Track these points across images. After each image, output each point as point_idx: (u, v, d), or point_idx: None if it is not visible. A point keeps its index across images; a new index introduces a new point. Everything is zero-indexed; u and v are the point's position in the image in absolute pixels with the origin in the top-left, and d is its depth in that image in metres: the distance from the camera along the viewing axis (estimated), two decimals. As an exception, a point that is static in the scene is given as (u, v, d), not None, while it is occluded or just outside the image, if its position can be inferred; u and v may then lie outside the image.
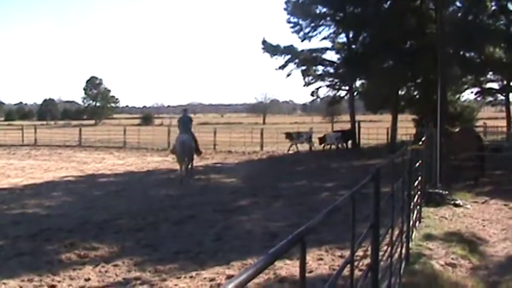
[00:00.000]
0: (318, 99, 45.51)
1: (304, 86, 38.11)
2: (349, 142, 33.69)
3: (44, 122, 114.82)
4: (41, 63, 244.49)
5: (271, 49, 34.96)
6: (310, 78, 37.43)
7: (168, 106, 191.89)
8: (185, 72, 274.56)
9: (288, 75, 36.60)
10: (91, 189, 17.64)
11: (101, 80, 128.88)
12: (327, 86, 38.49)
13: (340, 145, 32.46)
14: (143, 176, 21.59)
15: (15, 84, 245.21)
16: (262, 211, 13.60)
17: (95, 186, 18.24)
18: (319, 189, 17.51)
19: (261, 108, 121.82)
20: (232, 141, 36.13)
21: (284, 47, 34.95)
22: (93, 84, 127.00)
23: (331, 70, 37.03)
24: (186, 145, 19.47)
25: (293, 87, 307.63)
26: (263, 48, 35.17)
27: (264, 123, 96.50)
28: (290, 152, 32.08)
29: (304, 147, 32.89)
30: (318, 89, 38.94)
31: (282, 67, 35.75)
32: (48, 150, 34.15)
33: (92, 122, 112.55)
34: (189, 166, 19.92)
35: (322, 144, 32.80)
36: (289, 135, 33.92)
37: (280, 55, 35.05)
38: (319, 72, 37.31)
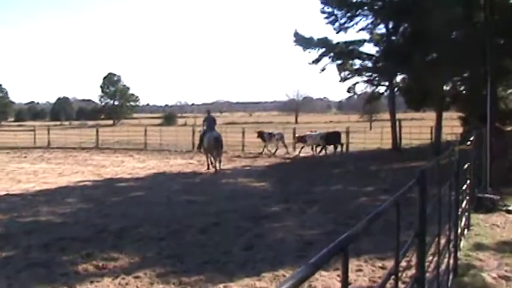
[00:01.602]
0: (355, 96, 45.32)
1: (339, 81, 37.80)
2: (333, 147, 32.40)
3: (58, 123, 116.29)
4: (54, 60, 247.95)
5: (304, 42, 34.87)
6: (347, 73, 37.19)
7: (192, 104, 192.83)
8: (211, 68, 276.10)
9: (322, 70, 36.46)
10: (109, 195, 17.75)
11: (119, 76, 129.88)
12: (365, 81, 38.18)
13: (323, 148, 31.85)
14: (165, 180, 21.68)
15: (27, 82, 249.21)
16: (295, 218, 13.57)
17: (113, 192, 18.38)
18: (357, 194, 17.40)
19: (293, 107, 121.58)
20: (261, 143, 36.06)
21: (318, 39, 34.81)
22: (110, 82, 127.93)
23: (369, 64, 36.75)
24: (219, 139, 24.35)
25: (328, 83, 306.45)
26: (295, 41, 35.11)
27: (296, 122, 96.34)
28: (264, 155, 31.94)
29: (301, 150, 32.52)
30: (354, 84, 38.67)
31: (316, 61, 35.61)
32: (63, 153, 34.54)
33: (110, 122, 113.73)
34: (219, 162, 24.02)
35: (301, 147, 32.24)
36: (261, 135, 33.97)
37: (313, 48, 34.94)
38: (356, 67, 37.07)
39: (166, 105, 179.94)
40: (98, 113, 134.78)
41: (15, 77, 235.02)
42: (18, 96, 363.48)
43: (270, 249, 10.41)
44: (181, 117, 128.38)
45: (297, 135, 33.68)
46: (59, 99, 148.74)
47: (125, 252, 10.17)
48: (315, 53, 35.24)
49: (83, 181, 21.30)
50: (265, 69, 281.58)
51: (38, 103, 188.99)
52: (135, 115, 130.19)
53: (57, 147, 38.34)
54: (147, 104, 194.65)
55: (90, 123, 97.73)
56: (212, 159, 24.87)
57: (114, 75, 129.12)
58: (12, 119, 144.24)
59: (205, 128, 25.71)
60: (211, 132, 24.68)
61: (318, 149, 31.81)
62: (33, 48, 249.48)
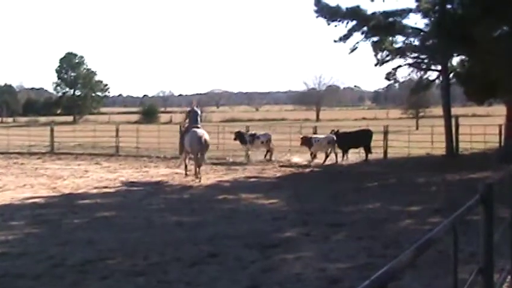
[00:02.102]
0: (396, 85, 45.37)
1: (375, 65, 37.73)
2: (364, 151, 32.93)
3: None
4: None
5: (329, 12, 34.80)
6: (385, 53, 37.16)
7: (180, 95, 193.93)
8: (203, 48, 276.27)
9: (353, 49, 36.47)
10: (68, 215, 17.73)
11: (81, 58, 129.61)
12: (410, 64, 38.18)
13: (330, 154, 32.19)
14: (144, 195, 21.70)
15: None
16: (316, 246, 13.58)
17: (74, 212, 18.35)
18: (398, 215, 17.39)
19: (314, 98, 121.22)
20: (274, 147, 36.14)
21: (347, 8, 34.70)
22: (70, 65, 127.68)
23: (416, 42, 36.75)
24: (204, 139, 25.94)
25: (360, 68, 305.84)
26: (316, 11, 35.01)
27: (317, 119, 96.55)
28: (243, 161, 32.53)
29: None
30: (395, 69, 38.64)
31: (344, 38, 35.58)
32: (5, 160, 34.61)
33: (70, 118, 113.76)
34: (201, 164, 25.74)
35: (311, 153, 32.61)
36: (239, 137, 34.30)
37: (341, 21, 34.84)
38: (397, 45, 37.04)
39: (145, 96, 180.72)
40: (52, 106, 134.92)
41: None
42: None
43: (284, 289, 10.42)
44: (164, 112, 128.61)
45: (301, 135, 33.75)
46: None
47: (88, 293, 10.19)
48: (342, 27, 35.16)
49: (32, 197, 21.24)
50: (275, 49, 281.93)
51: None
52: (103, 109, 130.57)
53: (-3, 152, 38.40)
54: (120, 95, 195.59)
55: (43, 119, 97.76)
56: (193, 164, 26.50)
57: (75, 56, 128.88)
58: None
59: (187, 124, 27.65)
60: (195, 130, 26.27)
61: (338, 155, 31.91)
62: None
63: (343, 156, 32.06)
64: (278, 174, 27.76)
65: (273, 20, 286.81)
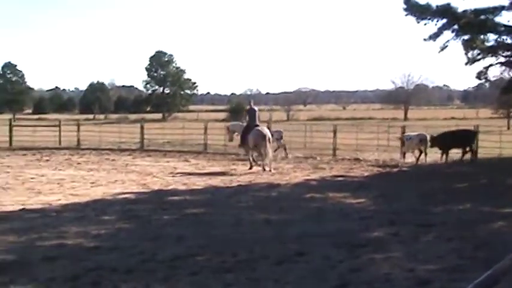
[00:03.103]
0: (487, 84, 44.57)
1: (466, 64, 37.05)
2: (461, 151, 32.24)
3: (90, 116, 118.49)
4: (86, 36, 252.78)
5: (418, 10, 34.37)
6: (476, 52, 36.47)
7: (267, 94, 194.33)
8: (291, 46, 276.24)
9: (443, 48, 35.85)
10: (158, 211, 17.92)
11: (170, 56, 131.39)
12: (502, 63, 37.43)
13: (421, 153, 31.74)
14: (232, 193, 21.82)
15: (49, 63, 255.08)
16: (404, 247, 13.44)
17: (164, 208, 18.52)
18: (490, 216, 17.09)
19: (402, 97, 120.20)
20: (360, 145, 35.96)
21: (437, 6, 34.19)
22: (159, 63, 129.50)
23: (509, 40, 36.03)
24: (268, 137, 28.53)
25: (449, 67, 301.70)
26: (406, 9, 34.62)
27: (405, 118, 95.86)
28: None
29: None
30: (487, 68, 37.86)
31: (434, 37, 35.06)
32: (97, 156, 35.38)
33: (159, 115, 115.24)
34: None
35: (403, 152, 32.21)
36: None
37: (430, 19, 34.36)
38: (489, 44, 36.33)
39: (232, 94, 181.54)
40: (142, 103, 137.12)
41: (34, 57, 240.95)
42: (39, 81, 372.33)
43: (372, 289, 10.36)
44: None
45: (398, 135, 33.38)
46: (91, 85, 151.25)
47: (178, 288, 10.28)
48: (432, 25, 34.65)
49: (123, 193, 21.58)
50: (363, 48, 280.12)
51: (63, 90, 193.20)
52: (191, 107, 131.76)
53: (89, 148, 39.23)
54: (208, 93, 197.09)
55: (133, 117, 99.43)
56: (260, 157, 29.00)
57: (164, 54, 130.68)
58: (30, 111, 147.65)
59: (246, 122, 30.63)
60: (258, 129, 29.14)
61: (425, 155, 31.52)
62: (57, 21, 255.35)
63: (442, 156, 31.65)
64: (366, 174, 27.59)
65: (361, 19, 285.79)
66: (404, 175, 27.53)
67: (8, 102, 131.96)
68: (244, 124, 31.17)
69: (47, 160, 33.17)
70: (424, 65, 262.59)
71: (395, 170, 29.27)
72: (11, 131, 42.50)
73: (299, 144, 37.95)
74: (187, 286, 10.43)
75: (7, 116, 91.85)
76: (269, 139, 28.80)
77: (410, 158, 32.11)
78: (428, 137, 31.64)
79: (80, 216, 16.92)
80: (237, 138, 32.28)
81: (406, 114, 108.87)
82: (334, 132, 35.59)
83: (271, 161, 28.87)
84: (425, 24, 34.56)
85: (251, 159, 29.71)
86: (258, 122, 29.99)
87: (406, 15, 34.50)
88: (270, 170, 27.95)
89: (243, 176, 26.60)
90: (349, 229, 15.17)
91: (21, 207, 18.32)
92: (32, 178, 25.34)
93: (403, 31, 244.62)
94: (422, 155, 31.52)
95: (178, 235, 14.41)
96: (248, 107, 31.35)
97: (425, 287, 10.21)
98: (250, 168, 29.13)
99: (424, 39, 35.29)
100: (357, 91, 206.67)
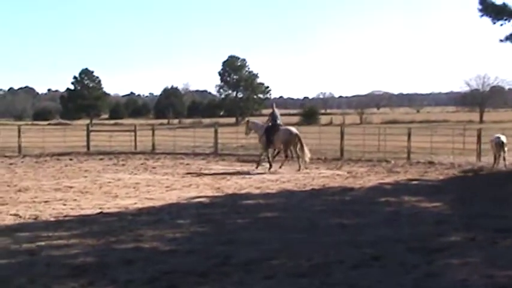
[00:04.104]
0: None
1: (546, 65, 36.45)
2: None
3: (165, 121, 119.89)
4: (163, 40, 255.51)
5: (494, 10, 33.81)
6: (554, 52, 35.81)
7: (340, 97, 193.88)
8: (363, 49, 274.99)
9: (520, 49, 35.32)
10: (232, 215, 18.01)
11: (243, 61, 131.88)
12: None
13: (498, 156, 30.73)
14: (306, 197, 21.78)
15: (124, 69, 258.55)
16: (482, 252, 13.19)
17: (238, 212, 18.62)
18: None
19: (477, 100, 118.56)
20: (434, 148, 35.59)
21: (516, 6, 33.73)
22: (232, 67, 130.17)
23: None
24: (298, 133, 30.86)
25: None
26: (481, 10, 34.11)
27: (481, 121, 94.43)
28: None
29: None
30: None
31: (511, 38, 34.56)
32: (172, 160, 35.68)
33: (232, 120, 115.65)
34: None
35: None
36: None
37: (507, 19, 33.82)
38: None
39: (305, 98, 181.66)
40: (216, 108, 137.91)
41: (110, 63, 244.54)
42: (115, 86, 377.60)
43: (448, 294, 10.21)
44: (325, 113, 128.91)
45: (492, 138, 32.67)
46: (165, 90, 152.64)
47: (252, 292, 10.27)
48: (509, 26, 34.13)
49: (198, 197, 21.72)
50: (436, 49, 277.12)
51: (138, 95, 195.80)
52: (264, 111, 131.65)
53: (164, 153, 39.62)
54: (281, 97, 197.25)
55: (206, 121, 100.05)
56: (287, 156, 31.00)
57: (237, 58, 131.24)
58: (107, 116, 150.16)
59: (268, 124, 31.76)
60: (287, 128, 31.83)
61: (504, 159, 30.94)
62: (135, 26, 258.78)
63: (496, 160, 31.05)
64: (441, 177, 27.27)
65: (435, 20, 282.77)
66: (481, 179, 27.14)
67: (85, 108, 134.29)
68: (264, 125, 32.06)
69: (123, 164, 33.66)
70: (500, 67, 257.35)
71: (470, 174, 28.83)
72: (88, 136, 43.22)
73: (373, 147, 37.77)
74: (262, 290, 10.43)
75: (84, 122, 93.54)
76: (300, 137, 30.66)
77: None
78: (504, 140, 30.98)
79: (156, 220, 17.09)
80: (252, 136, 33.80)
81: (481, 116, 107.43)
82: (409, 135, 35.32)
83: (303, 159, 30.69)
84: (501, 25, 33.97)
85: (270, 159, 31.25)
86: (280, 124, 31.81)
87: (482, 16, 33.96)
88: (299, 169, 30.05)
89: (317, 179, 26.52)
90: (425, 233, 15.01)
91: (99, 210, 18.62)
92: (108, 182, 25.75)
93: (478, 32, 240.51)
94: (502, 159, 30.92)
95: (252, 239, 14.43)
96: (271, 111, 32.85)
97: (505, 293, 10.04)
98: (270, 168, 30.61)
99: (500, 40, 34.70)
100: (430, 93, 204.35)
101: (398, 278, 11.12)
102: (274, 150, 32.04)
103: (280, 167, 30.48)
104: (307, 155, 30.87)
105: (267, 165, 30.90)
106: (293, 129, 31.47)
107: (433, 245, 13.75)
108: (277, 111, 32.54)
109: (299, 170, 29.93)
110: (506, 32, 34.26)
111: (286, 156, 31.09)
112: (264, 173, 29.08)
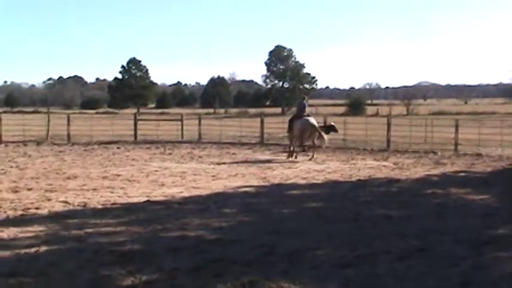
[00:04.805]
0: None
1: None
2: None
3: (211, 110, 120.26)
4: (206, 30, 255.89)
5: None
6: None
7: (386, 88, 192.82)
8: (409, 39, 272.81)
9: None
10: (278, 205, 17.94)
11: (290, 50, 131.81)
12: None
13: None
14: (351, 188, 21.67)
15: (172, 58, 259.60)
16: (531, 245, 13.06)
17: (283, 202, 18.56)
18: None
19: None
20: (482, 140, 35.24)
21: None
22: (279, 57, 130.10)
23: None
24: (312, 124, 31.52)
25: None
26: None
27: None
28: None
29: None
30: None
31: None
32: (218, 150, 35.94)
33: (278, 110, 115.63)
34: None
35: None
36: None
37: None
38: None
39: (351, 89, 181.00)
40: (262, 98, 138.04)
41: (157, 52, 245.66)
42: (162, 76, 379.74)
43: (496, 287, 10.11)
44: (371, 104, 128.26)
45: None
46: (212, 80, 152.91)
47: (299, 281, 10.22)
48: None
49: (244, 186, 21.78)
50: (485, 40, 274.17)
51: (185, 85, 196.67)
52: (311, 101, 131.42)
53: (210, 142, 39.98)
54: (327, 87, 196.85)
55: (253, 111, 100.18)
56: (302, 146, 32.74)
57: (284, 48, 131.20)
58: (154, 105, 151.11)
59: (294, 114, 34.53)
60: (306, 118, 31.98)
61: None
62: (182, 15, 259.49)
63: None
64: (489, 169, 27.00)
65: (484, 10, 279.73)
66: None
67: (133, 97, 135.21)
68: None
69: (170, 153, 33.89)
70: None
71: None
72: (135, 125, 43.64)
73: (419, 139, 37.53)
74: (307, 280, 10.36)
75: (132, 111, 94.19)
76: (316, 127, 31.75)
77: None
78: None
79: (202, 209, 17.13)
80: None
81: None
82: (456, 126, 35.06)
83: (313, 149, 32.20)
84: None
85: (292, 148, 32.51)
86: (305, 114, 32.53)
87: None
88: (311, 158, 31.13)
89: (363, 170, 26.42)
90: (472, 226, 14.85)
91: (146, 199, 18.71)
92: (155, 171, 25.89)
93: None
94: None
95: (298, 229, 14.41)
96: (300, 101, 35.87)
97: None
98: (289, 156, 31.95)
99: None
100: (478, 85, 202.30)
101: (444, 270, 11.01)
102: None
103: (295, 157, 31.61)
104: (326, 141, 32.61)
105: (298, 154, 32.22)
106: (310, 119, 32.04)
107: (480, 237, 13.61)
108: (306, 103, 33.88)
109: (311, 159, 30.95)
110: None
111: (300, 145, 32.63)
112: (310, 163, 28.99)
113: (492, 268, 11.18)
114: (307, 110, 33.32)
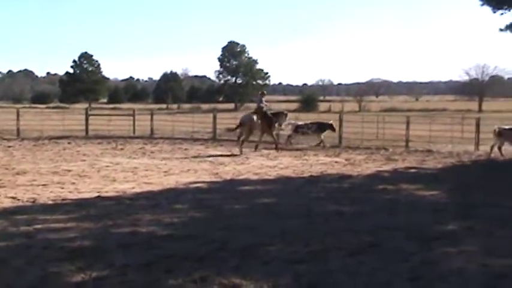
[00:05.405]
0: None
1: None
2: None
3: (164, 105, 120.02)
4: (160, 27, 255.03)
5: (495, 0, 33.80)
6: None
7: (339, 84, 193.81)
8: (362, 36, 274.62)
9: (519, 39, 35.28)
10: (229, 201, 17.96)
11: (243, 46, 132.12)
12: None
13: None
14: (303, 184, 21.74)
15: (124, 53, 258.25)
16: (479, 240, 13.16)
17: (235, 197, 18.58)
18: None
19: (476, 89, 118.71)
20: (433, 136, 35.58)
21: (518, -6, 33.62)
22: (232, 53, 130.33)
23: None
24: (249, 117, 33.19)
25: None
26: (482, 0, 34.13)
27: (480, 110, 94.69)
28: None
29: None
30: None
31: (511, 27, 34.48)
32: (170, 145, 35.80)
33: (231, 105, 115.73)
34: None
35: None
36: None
37: (508, 9, 33.75)
38: None
39: (304, 85, 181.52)
40: (215, 93, 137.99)
41: (110, 47, 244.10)
42: (114, 71, 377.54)
43: (445, 282, 10.18)
44: (323, 100, 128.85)
45: (496, 127, 32.46)
46: (164, 75, 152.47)
47: (250, 277, 10.25)
48: (509, 15, 34.07)
49: (196, 182, 21.71)
50: (436, 38, 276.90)
51: (137, 80, 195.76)
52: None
53: (162, 138, 39.86)
54: (279, 83, 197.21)
55: (205, 106, 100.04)
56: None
57: (237, 44, 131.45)
58: (105, 100, 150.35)
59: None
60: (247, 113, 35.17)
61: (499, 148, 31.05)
62: (135, 10, 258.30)
63: None
64: (439, 166, 27.27)
65: (435, 9, 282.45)
66: (478, 167, 27.15)
67: (84, 92, 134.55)
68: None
69: (122, 149, 33.76)
70: (500, 56, 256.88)
71: (468, 162, 28.86)
72: (87, 120, 43.33)
73: (371, 135, 37.83)
74: (259, 275, 10.37)
75: (83, 106, 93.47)
76: (252, 124, 33.18)
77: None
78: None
79: (153, 205, 17.07)
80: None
81: (480, 106, 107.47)
82: (407, 123, 35.35)
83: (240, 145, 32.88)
84: (501, 14, 34.01)
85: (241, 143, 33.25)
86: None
87: (482, 5, 33.95)
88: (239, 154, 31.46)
89: (315, 166, 26.53)
90: (422, 221, 14.99)
91: (97, 194, 18.61)
92: (107, 166, 25.80)
93: (478, 21, 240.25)
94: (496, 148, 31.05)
95: (250, 225, 14.41)
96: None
97: (501, 282, 10.00)
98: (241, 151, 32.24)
99: (500, 30, 34.78)
100: (430, 82, 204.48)
101: (395, 265, 11.10)
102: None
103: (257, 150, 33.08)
104: (260, 141, 33.93)
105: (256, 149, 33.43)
106: (252, 116, 33.91)
107: (430, 233, 13.73)
108: (262, 98, 35.11)
109: (239, 154, 31.45)
110: (507, 21, 34.34)
111: (239, 138, 33.80)
112: (262, 159, 29.04)
113: (441, 263, 11.28)
114: (262, 105, 34.20)
